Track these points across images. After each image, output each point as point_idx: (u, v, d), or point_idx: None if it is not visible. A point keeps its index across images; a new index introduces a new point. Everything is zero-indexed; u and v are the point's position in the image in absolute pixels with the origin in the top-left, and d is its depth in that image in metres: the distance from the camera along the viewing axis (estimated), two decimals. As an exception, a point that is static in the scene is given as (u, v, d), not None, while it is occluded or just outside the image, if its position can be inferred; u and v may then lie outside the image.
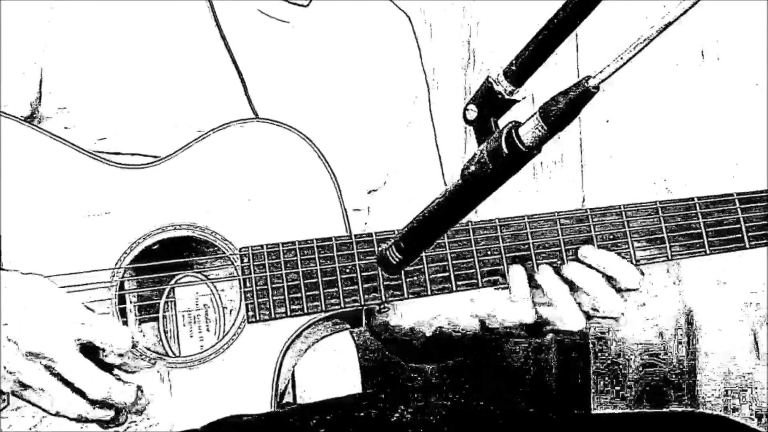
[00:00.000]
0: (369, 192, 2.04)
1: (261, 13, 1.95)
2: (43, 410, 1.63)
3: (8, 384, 1.62)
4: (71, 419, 1.64)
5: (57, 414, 1.63)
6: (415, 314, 2.01)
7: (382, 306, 2.10)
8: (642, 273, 1.79)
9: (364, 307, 1.81)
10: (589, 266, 1.78)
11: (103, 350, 1.64)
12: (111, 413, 1.65)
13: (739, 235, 1.79)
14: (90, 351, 1.64)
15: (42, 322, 1.62)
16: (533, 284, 1.80)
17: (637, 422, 1.73)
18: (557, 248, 1.78)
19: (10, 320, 1.61)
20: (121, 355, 1.65)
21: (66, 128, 1.82)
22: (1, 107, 1.79)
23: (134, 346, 1.67)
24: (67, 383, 1.62)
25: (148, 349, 1.74)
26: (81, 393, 1.63)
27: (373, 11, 2.09)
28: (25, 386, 1.62)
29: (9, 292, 1.63)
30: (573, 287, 1.78)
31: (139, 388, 1.67)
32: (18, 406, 1.67)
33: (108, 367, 1.66)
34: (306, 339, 1.81)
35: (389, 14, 2.12)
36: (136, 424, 1.70)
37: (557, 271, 1.79)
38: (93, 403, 1.63)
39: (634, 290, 1.79)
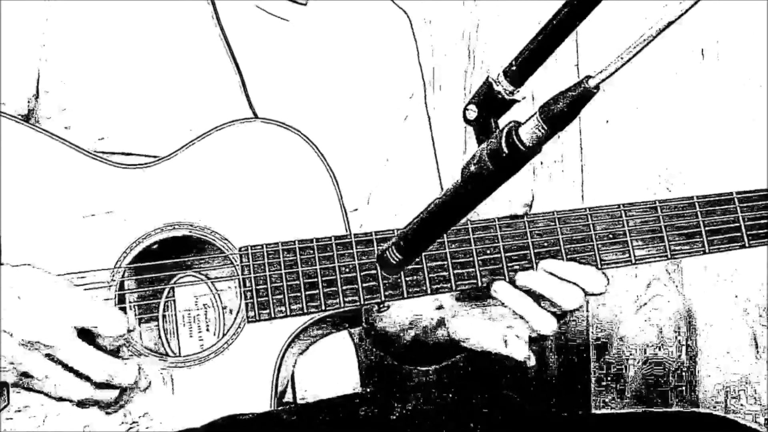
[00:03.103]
0: (366, 190, 2.04)
1: (260, 10, 1.96)
2: (48, 396, 1.64)
3: (11, 376, 1.63)
4: (75, 403, 1.65)
5: (61, 399, 1.64)
6: (395, 320, 2.02)
7: (381, 306, 2.10)
8: (607, 277, 1.77)
9: (364, 307, 1.81)
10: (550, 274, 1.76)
11: (99, 335, 1.65)
12: (115, 393, 1.67)
13: (739, 234, 1.80)
14: (88, 335, 1.65)
15: (37, 311, 1.63)
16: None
17: (638, 422, 1.73)
18: (556, 247, 1.78)
19: (5, 312, 1.61)
20: (116, 340, 1.66)
21: (66, 128, 1.82)
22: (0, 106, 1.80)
23: (130, 331, 1.68)
24: (69, 368, 1.63)
25: (148, 348, 1.74)
26: (83, 376, 1.64)
27: (372, 9, 2.10)
28: (28, 375, 1.63)
29: (2, 284, 1.63)
30: (533, 295, 1.76)
31: (139, 366, 1.68)
32: (18, 409, 1.67)
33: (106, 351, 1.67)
34: (305, 338, 1.81)
35: (388, 12, 2.12)
36: (137, 425, 1.70)
37: (513, 284, 1.77)
38: (96, 385, 1.64)
39: (600, 294, 1.77)
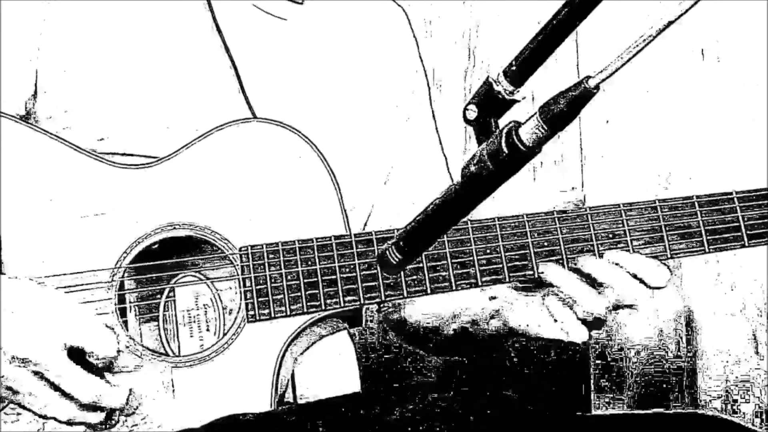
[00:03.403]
0: (371, 189, 2.04)
1: (257, 9, 1.95)
2: (35, 414, 1.63)
3: None
4: (61, 422, 1.64)
5: (47, 417, 1.63)
6: (435, 312, 2.00)
7: (381, 305, 2.10)
8: (669, 269, 1.78)
9: (364, 306, 1.81)
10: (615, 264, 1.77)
11: (89, 354, 1.64)
12: (102, 416, 1.66)
13: (739, 234, 1.80)
14: (78, 353, 1.64)
15: (28, 328, 1.62)
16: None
17: (638, 423, 1.73)
18: (556, 246, 1.78)
19: None
20: (106, 360, 1.65)
21: (65, 128, 1.81)
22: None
23: (120, 352, 1.67)
24: (56, 387, 1.62)
25: (148, 348, 1.74)
26: (70, 396, 1.63)
27: (369, 7, 2.09)
28: (15, 391, 1.62)
29: None
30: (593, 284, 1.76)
31: (130, 389, 1.67)
32: (19, 413, 1.67)
33: (98, 369, 1.66)
34: (306, 338, 1.81)
35: (385, 8, 2.12)
36: (137, 426, 1.70)
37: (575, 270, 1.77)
38: (82, 406, 1.64)
39: (662, 288, 1.77)
